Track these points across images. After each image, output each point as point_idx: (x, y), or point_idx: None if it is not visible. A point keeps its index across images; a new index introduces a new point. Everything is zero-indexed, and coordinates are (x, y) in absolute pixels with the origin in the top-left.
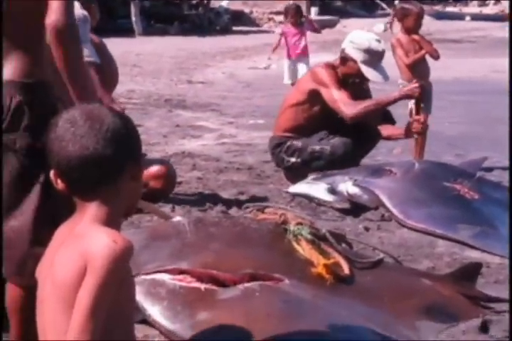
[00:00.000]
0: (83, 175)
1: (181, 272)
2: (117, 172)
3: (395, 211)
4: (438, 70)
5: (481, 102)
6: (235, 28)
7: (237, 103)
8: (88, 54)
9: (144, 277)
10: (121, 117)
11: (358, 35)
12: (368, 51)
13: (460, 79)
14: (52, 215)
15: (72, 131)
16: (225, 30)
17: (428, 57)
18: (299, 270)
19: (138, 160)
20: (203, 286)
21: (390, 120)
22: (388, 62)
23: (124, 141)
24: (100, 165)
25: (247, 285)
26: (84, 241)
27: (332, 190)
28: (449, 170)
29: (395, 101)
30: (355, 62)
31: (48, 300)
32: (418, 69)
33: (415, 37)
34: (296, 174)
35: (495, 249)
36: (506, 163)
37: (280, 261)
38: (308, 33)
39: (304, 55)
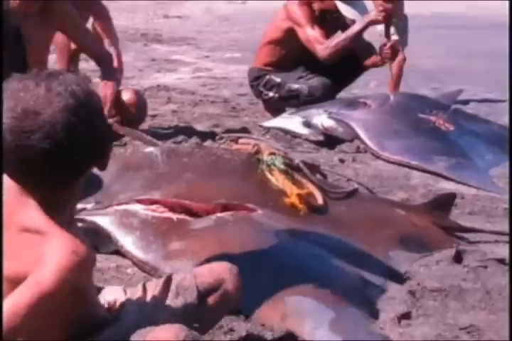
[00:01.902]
0: (28, 173)
1: (154, 202)
2: (72, 179)
3: (370, 143)
4: (417, 5)
5: (458, 36)
6: None
7: (213, 37)
8: None
9: (116, 207)
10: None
11: None
12: None
13: (438, 14)
14: None
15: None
16: None
17: None
18: (272, 200)
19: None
20: (175, 216)
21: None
22: None
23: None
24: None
25: (219, 215)
26: (39, 244)
27: (307, 123)
28: (424, 102)
29: (363, 29)
30: None
31: None
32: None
33: None
34: (273, 106)
35: (470, 180)
36: (483, 95)
37: (253, 191)
38: None
39: None
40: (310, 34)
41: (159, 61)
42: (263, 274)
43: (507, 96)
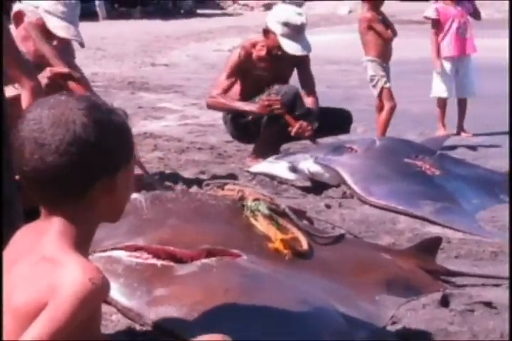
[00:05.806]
0: (40, 188)
1: (138, 249)
2: (80, 189)
3: (356, 188)
4: (404, 50)
5: None
6: (199, 11)
7: (201, 84)
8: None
9: (100, 254)
10: (99, 122)
11: (280, 8)
12: (287, 24)
13: (425, 59)
14: None
15: (33, 136)
16: (189, 13)
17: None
18: (256, 245)
19: (112, 173)
20: (159, 262)
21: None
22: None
23: (92, 155)
24: (57, 181)
25: (204, 261)
26: (55, 271)
27: (293, 169)
28: (410, 146)
29: (244, 112)
30: (275, 34)
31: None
32: (388, 47)
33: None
34: (254, 136)
35: (456, 224)
36: (470, 140)
37: (237, 237)
38: None
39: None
40: (220, 79)
41: (146, 108)
42: (248, 320)
43: (495, 141)
